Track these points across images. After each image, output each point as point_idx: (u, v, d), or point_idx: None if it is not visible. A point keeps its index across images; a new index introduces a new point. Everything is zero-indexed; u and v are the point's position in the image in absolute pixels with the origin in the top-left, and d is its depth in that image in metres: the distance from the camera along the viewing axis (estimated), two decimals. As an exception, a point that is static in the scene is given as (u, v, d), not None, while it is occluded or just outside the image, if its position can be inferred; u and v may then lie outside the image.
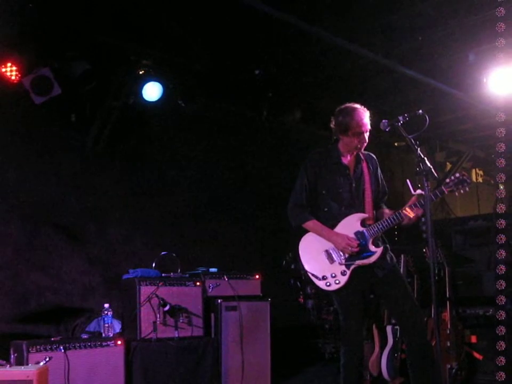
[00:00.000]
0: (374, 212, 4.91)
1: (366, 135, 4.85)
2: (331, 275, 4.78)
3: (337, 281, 4.76)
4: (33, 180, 7.05)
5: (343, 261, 4.76)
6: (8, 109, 6.77)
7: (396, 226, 4.78)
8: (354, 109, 4.86)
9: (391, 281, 4.82)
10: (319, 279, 4.82)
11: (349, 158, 4.96)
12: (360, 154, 4.99)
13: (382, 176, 5.09)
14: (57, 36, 6.53)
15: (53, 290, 7.09)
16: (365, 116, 4.85)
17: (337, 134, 4.94)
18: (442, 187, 4.62)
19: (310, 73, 8.13)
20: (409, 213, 4.64)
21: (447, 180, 4.65)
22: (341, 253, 4.78)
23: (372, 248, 4.74)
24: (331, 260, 4.81)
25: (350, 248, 4.72)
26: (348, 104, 4.93)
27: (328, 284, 4.78)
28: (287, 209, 5.03)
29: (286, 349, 7.18)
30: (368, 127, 4.85)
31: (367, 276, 4.80)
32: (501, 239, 6.05)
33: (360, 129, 4.81)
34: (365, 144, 4.89)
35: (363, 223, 4.81)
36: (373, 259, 4.74)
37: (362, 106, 4.90)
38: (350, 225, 4.80)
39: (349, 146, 4.90)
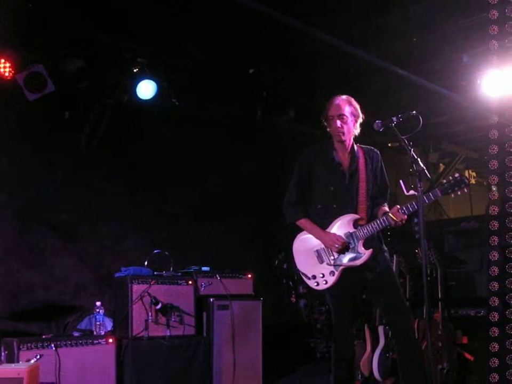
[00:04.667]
0: (369, 211, 4.82)
1: (339, 122, 4.71)
2: (320, 275, 4.79)
3: (325, 282, 4.78)
4: (25, 177, 7.02)
5: (331, 262, 4.76)
6: (1, 105, 6.74)
7: (388, 227, 4.74)
8: (333, 97, 4.81)
9: (381, 283, 4.78)
10: (309, 278, 4.85)
11: (343, 154, 4.84)
12: (358, 151, 4.86)
13: (383, 171, 4.95)
14: (51, 33, 6.52)
15: (45, 287, 7.08)
16: (337, 99, 4.77)
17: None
18: (437, 189, 4.52)
19: (304, 73, 8.12)
20: (394, 218, 4.59)
21: (444, 181, 4.56)
22: (329, 253, 4.77)
23: (361, 250, 4.69)
24: (320, 260, 4.80)
25: (336, 246, 4.69)
26: None
27: (316, 283, 4.80)
28: (282, 206, 5.01)
29: (277, 348, 7.18)
30: (339, 111, 4.72)
31: (358, 277, 4.77)
32: (494, 241, 6.07)
33: (327, 113, 4.76)
34: (341, 132, 4.73)
35: (355, 223, 4.75)
36: (359, 262, 4.70)
37: (348, 96, 4.81)
38: (342, 225, 4.75)
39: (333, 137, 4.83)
